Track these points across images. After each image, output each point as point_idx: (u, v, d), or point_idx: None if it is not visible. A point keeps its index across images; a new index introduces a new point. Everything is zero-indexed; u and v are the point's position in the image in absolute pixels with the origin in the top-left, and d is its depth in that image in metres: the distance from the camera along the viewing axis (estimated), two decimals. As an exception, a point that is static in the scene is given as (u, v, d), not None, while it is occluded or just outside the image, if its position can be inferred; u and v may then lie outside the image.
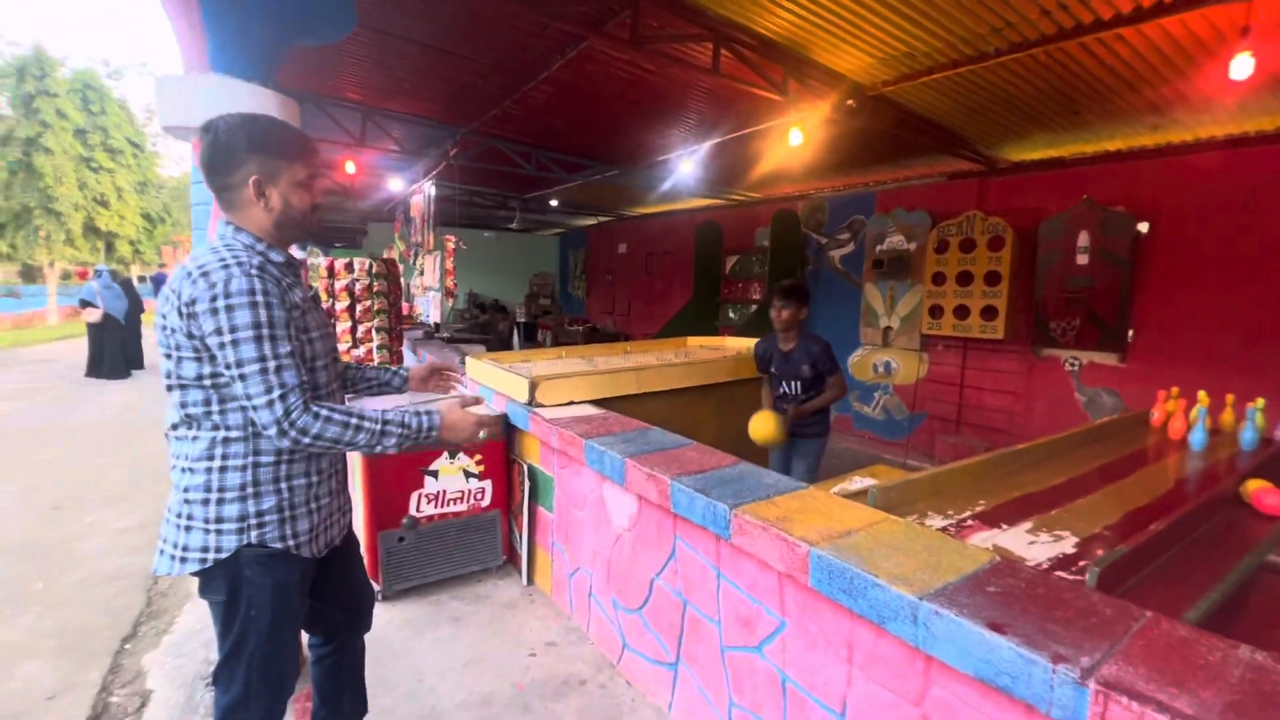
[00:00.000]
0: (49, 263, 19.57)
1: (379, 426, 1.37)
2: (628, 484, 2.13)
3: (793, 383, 3.19)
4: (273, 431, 1.27)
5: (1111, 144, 4.71)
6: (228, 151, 1.31)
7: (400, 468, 2.80)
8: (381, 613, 2.74)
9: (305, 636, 1.69)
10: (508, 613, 2.79)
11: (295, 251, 1.56)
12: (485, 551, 3.08)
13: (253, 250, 1.34)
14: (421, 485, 2.87)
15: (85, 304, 8.93)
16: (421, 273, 7.18)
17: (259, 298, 1.25)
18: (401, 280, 6.34)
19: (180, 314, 1.25)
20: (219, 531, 1.31)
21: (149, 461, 4.88)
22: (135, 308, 9.49)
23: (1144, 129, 4.32)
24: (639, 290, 10.81)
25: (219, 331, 1.22)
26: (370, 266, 4.86)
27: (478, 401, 1.72)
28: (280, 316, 1.28)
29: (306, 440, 1.29)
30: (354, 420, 1.34)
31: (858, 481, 2.44)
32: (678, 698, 2.08)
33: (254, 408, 1.25)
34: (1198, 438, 2.61)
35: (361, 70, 4.53)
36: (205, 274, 1.24)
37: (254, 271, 1.27)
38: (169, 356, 1.30)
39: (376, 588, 2.82)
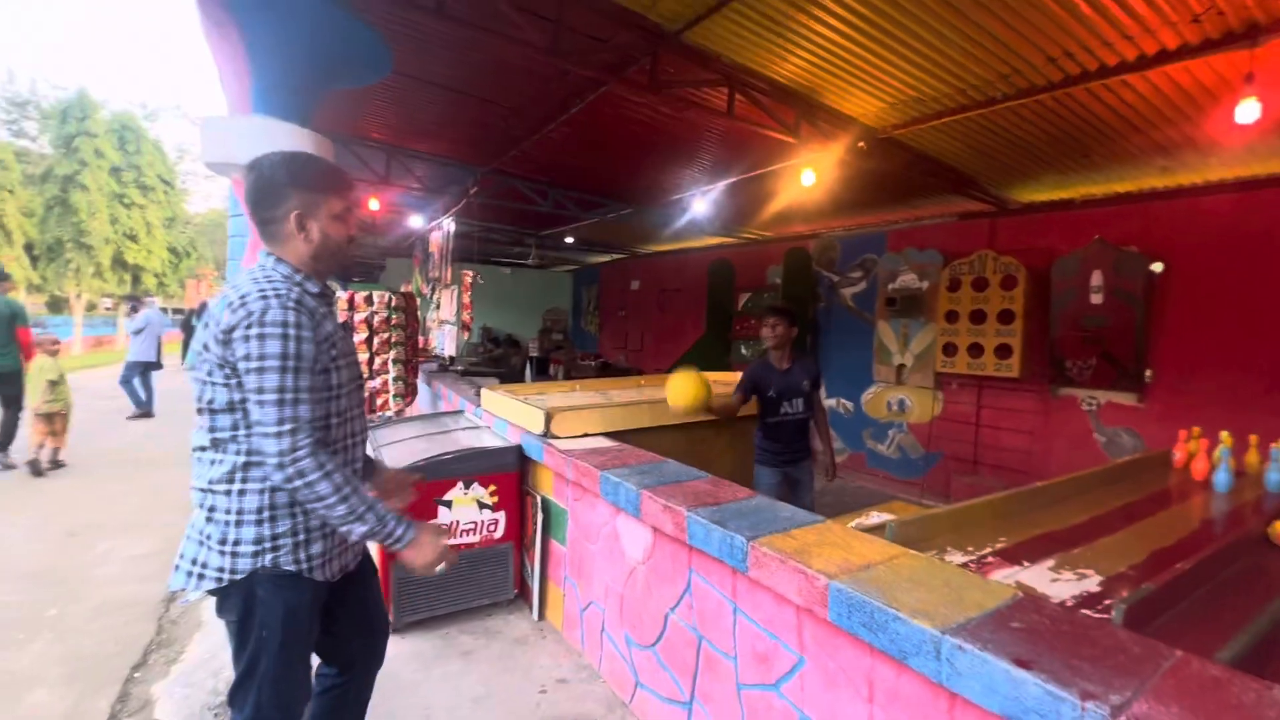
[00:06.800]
0: (76, 294, 20.14)
1: (363, 508, 1.35)
2: (643, 516, 2.12)
3: (795, 400, 3.21)
4: (273, 461, 1.28)
5: (1121, 186, 4.77)
6: (271, 187, 1.39)
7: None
8: (390, 645, 2.69)
9: (316, 664, 1.68)
10: (518, 648, 2.74)
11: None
12: (497, 585, 3.05)
13: (291, 281, 1.39)
14: (435, 515, 2.87)
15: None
16: (438, 306, 7.32)
17: (291, 330, 1.30)
18: (418, 314, 6.46)
19: (217, 340, 1.31)
20: (234, 554, 1.34)
21: (165, 490, 4.91)
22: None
23: (1153, 171, 4.37)
24: (652, 326, 10.89)
25: (248, 357, 1.28)
26: (389, 300, 4.97)
27: (447, 532, 1.70)
28: (309, 351, 1.33)
29: (299, 482, 1.29)
30: (347, 489, 1.33)
31: (875, 516, 2.41)
32: (692, 739, 2.02)
33: (264, 434, 1.28)
34: (1221, 479, 2.57)
35: (388, 112, 4.72)
36: (244, 303, 1.30)
37: (291, 304, 1.32)
38: (203, 381, 1.35)
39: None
